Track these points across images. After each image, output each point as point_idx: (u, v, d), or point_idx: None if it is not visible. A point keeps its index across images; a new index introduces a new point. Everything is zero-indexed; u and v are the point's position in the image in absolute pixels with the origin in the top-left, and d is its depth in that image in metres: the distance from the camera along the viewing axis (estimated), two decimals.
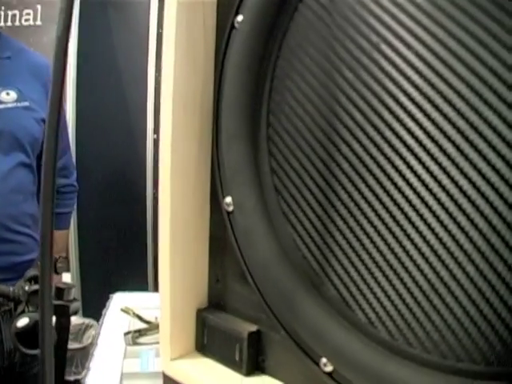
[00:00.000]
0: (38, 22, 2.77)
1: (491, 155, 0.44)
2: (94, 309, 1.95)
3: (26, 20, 2.79)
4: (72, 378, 1.93)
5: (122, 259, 2.66)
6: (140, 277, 2.61)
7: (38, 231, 0.53)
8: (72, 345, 2.17)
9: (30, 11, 2.80)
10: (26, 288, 1.14)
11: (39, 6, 2.78)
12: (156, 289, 0.68)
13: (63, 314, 1.01)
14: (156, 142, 2.72)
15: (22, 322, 0.95)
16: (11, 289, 1.19)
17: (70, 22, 0.51)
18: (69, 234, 2.24)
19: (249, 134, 0.59)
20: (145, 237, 2.68)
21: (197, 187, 0.66)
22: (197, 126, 0.64)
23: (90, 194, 2.47)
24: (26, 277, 1.19)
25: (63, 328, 1.01)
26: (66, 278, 2.20)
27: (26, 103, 1.55)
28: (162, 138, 0.63)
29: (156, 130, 2.72)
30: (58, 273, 1.86)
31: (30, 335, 0.97)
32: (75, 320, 2.36)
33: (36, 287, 1.13)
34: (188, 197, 0.65)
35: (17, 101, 1.54)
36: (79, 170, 1.93)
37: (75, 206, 2.00)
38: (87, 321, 2.35)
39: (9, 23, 2.74)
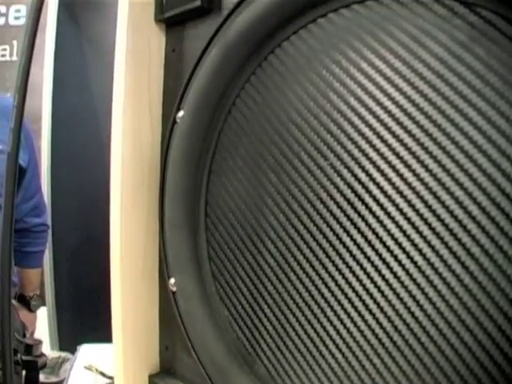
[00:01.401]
0: (14, 58, 2.82)
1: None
2: (71, 341, 1.99)
3: (3, 55, 2.84)
4: None
5: (97, 294, 2.69)
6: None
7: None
8: (49, 379, 2.20)
9: (7, 46, 2.84)
10: None
11: (15, 42, 2.83)
12: None
13: (32, 368, 1.05)
14: None
15: None
16: None
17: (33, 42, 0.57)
18: (43, 271, 2.27)
19: (189, 223, 0.65)
20: None
21: (146, 266, 0.72)
22: (145, 210, 0.70)
23: (65, 230, 2.51)
24: None
25: (33, 382, 1.06)
26: (42, 311, 2.23)
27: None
28: (112, 219, 0.69)
29: None
30: (32, 311, 1.89)
31: None
32: (52, 354, 2.39)
33: None
34: (137, 274, 0.71)
35: None
36: (54, 207, 1.97)
37: (48, 245, 2.03)
38: (63, 354, 2.37)
39: None
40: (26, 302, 1.83)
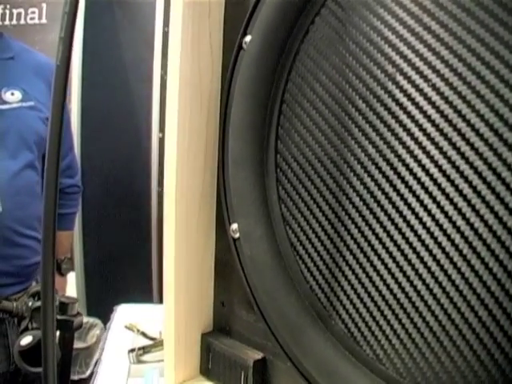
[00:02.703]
0: (43, 21, 2.75)
1: None
2: (99, 307, 1.95)
3: (32, 18, 2.76)
4: (76, 378, 1.93)
5: (126, 259, 2.65)
6: (144, 279, 2.61)
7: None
8: (76, 344, 2.16)
9: (36, 10, 2.77)
10: (30, 304, 1.13)
11: (44, 5, 2.76)
12: (160, 294, 0.67)
13: (67, 328, 1.00)
14: (161, 141, 2.70)
15: (26, 340, 0.94)
16: (14, 304, 1.18)
17: (74, 23, 0.50)
18: (73, 235, 2.23)
19: (256, 161, 0.58)
20: (149, 236, 2.67)
21: (202, 213, 0.65)
22: (203, 150, 0.63)
23: (94, 194, 2.47)
24: (29, 292, 1.18)
25: (67, 343, 1.01)
26: (71, 277, 2.19)
27: (31, 103, 1.54)
28: (167, 160, 0.62)
29: (161, 129, 2.71)
30: (63, 274, 1.85)
31: (34, 353, 0.95)
32: None
33: (39, 304, 1.12)
34: (193, 222, 0.64)
35: (22, 101, 1.53)
36: (84, 170, 1.92)
37: (80, 207, 1.98)
38: (91, 320, 2.34)
39: (14, 22, 2.72)
40: (57, 266, 1.79)
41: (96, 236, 2.66)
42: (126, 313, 1.04)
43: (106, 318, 1.40)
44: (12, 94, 1.52)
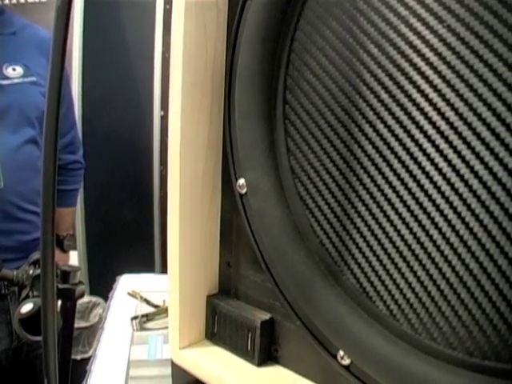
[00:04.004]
0: None
1: None
2: (101, 286, 1.94)
3: None
4: (79, 357, 1.92)
5: (128, 237, 2.64)
6: (147, 255, 2.60)
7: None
8: (79, 323, 2.16)
9: None
10: (30, 272, 1.11)
11: None
12: (163, 268, 0.65)
13: (69, 297, 0.98)
14: (163, 119, 2.69)
15: (26, 307, 0.92)
16: (15, 273, 1.16)
17: None
18: (75, 211, 2.22)
19: (264, 112, 0.56)
20: (151, 214, 2.66)
21: (207, 169, 0.63)
22: (207, 104, 0.61)
23: (96, 172, 2.45)
24: (29, 260, 1.16)
25: (69, 312, 0.99)
26: (73, 256, 2.18)
27: (33, 78, 1.53)
28: (171, 115, 0.60)
29: (163, 107, 2.69)
30: (65, 251, 1.84)
31: (34, 321, 0.94)
32: (82, 298, 2.35)
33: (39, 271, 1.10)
34: (198, 179, 0.62)
35: (23, 76, 1.52)
36: (85, 147, 1.90)
37: (82, 184, 1.97)
38: (94, 299, 2.34)
39: (14, 0, 2.69)
40: (60, 242, 1.79)
41: (98, 213, 2.65)
42: (128, 282, 1.02)
43: (108, 295, 1.40)
44: (14, 69, 1.51)
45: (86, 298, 2.38)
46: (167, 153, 0.61)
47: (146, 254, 2.58)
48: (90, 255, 2.69)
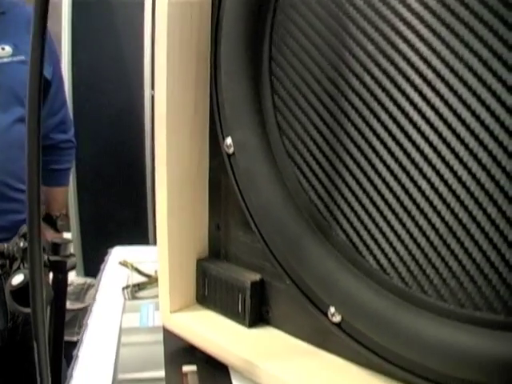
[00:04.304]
0: None
1: None
2: (96, 267, 1.93)
3: None
4: (75, 339, 1.92)
5: (121, 215, 2.63)
6: (141, 233, 2.59)
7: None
8: (74, 305, 2.16)
9: None
10: (21, 244, 1.10)
11: None
12: (156, 242, 0.65)
13: (60, 269, 0.97)
14: (154, 98, 2.67)
15: (17, 279, 0.91)
16: (5, 245, 1.15)
17: None
18: (68, 191, 2.21)
19: (250, 70, 0.55)
20: (144, 191, 2.65)
21: (194, 131, 0.62)
22: (193, 66, 0.60)
23: (88, 152, 2.43)
24: (20, 233, 1.16)
25: (61, 284, 0.98)
26: (67, 237, 2.17)
27: (22, 57, 1.51)
28: (157, 78, 0.59)
29: (153, 86, 2.67)
30: (59, 231, 1.83)
31: (26, 293, 0.92)
32: (77, 280, 2.34)
33: None
34: (185, 142, 0.61)
35: (12, 55, 1.50)
36: (76, 126, 1.88)
37: (74, 163, 1.96)
38: (89, 280, 2.34)
39: None
40: (53, 222, 1.78)
41: (90, 193, 2.64)
42: (120, 254, 1.02)
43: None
44: (3, 48, 1.50)
45: (81, 280, 2.38)
46: None
47: (139, 232, 2.58)
48: (83, 236, 2.68)
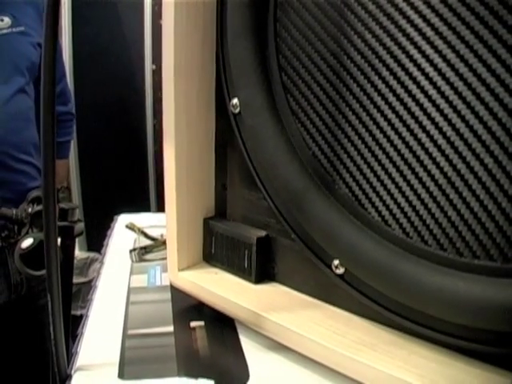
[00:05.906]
0: None
1: None
2: (98, 241, 1.95)
3: None
4: (78, 313, 1.94)
5: (124, 188, 2.64)
6: (143, 203, 2.60)
7: (41, 159, 0.50)
8: (78, 279, 2.17)
9: None
10: (29, 210, 1.12)
11: None
12: (159, 211, 0.66)
13: (68, 235, 0.99)
14: (154, 73, 2.67)
15: (27, 242, 0.93)
16: (14, 211, 1.17)
17: None
18: (68, 167, 2.22)
19: (255, 30, 0.56)
20: (146, 167, 2.66)
21: (201, 92, 0.63)
22: (200, 27, 0.61)
23: (89, 125, 2.44)
24: (28, 198, 1.17)
25: (69, 250, 1.00)
26: None
27: (21, 28, 1.51)
28: (164, 39, 0.60)
29: (154, 61, 2.67)
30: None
31: (34, 257, 0.94)
32: (80, 255, 2.35)
33: (39, 208, 1.11)
34: (192, 103, 0.63)
35: (11, 26, 1.50)
36: (77, 100, 1.89)
37: (74, 136, 1.97)
38: (92, 255, 2.35)
39: None
40: None
41: (92, 166, 2.65)
42: (126, 220, 1.04)
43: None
44: (1, 20, 1.50)
45: (85, 254, 2.39)
46: (161, 106, 0.62)
47: (142, 206, 2.59)
48: (85, 208, 2.69)
